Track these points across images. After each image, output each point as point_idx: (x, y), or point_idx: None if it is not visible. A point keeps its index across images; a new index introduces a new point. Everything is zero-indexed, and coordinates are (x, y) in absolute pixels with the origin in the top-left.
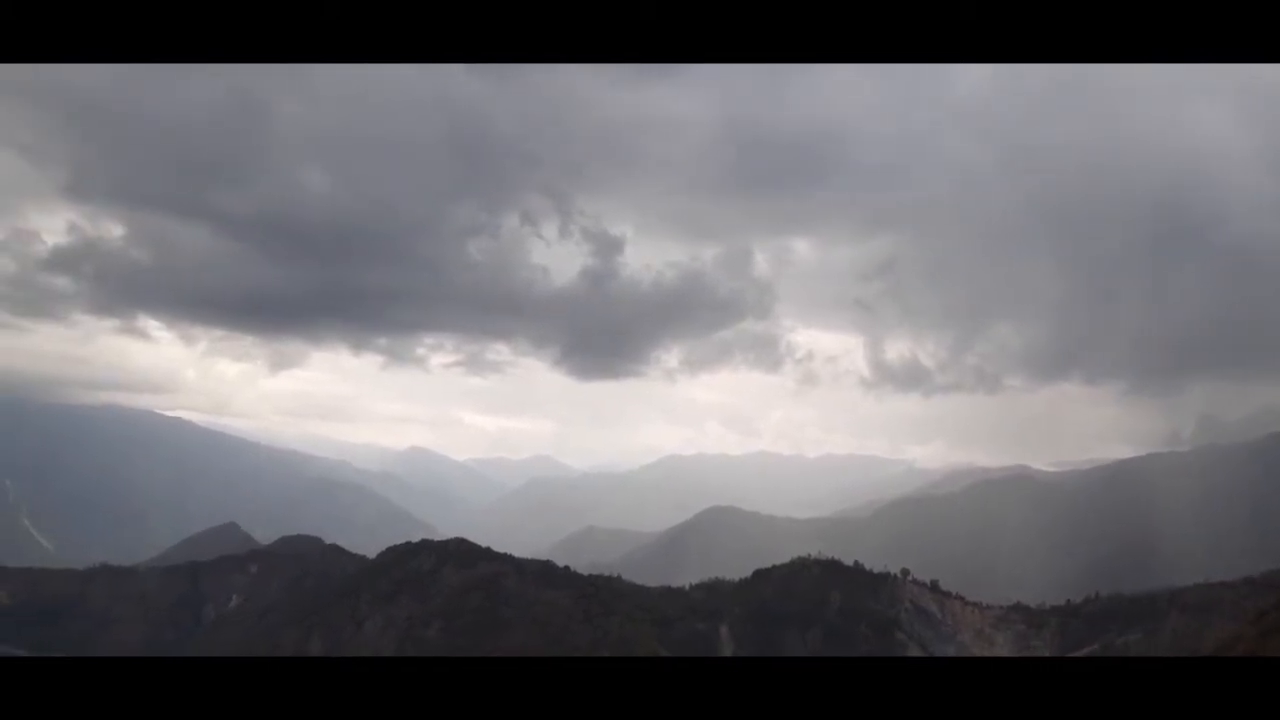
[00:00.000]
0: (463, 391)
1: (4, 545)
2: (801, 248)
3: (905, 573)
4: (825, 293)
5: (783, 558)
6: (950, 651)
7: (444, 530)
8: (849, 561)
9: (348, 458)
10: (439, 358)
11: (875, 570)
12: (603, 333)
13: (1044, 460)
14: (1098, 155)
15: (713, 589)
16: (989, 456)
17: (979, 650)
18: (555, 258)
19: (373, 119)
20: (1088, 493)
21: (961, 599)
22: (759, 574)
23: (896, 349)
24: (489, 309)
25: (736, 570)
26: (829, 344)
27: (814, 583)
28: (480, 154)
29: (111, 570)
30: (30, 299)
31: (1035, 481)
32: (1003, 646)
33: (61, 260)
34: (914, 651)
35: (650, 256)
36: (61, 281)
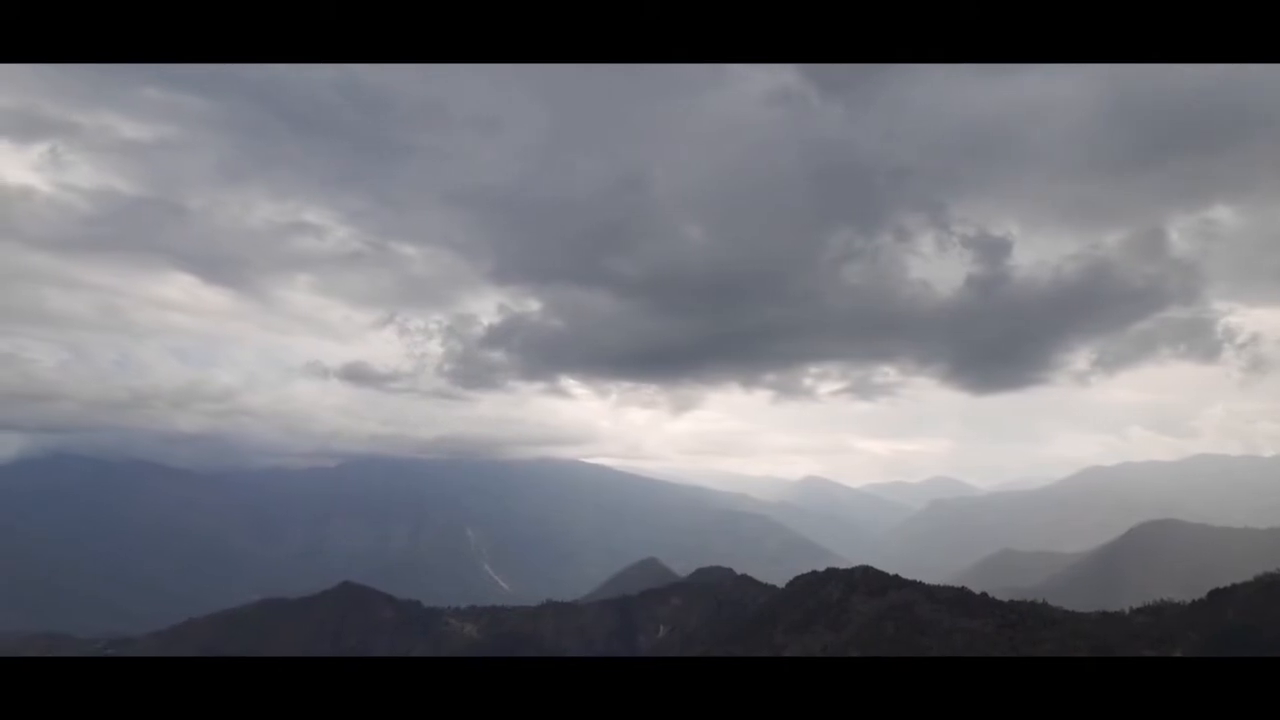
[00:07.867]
0: (851, 417)
1: (471, 586)
2: (1226, 216)
3: None
4: (1266, 263)
5: (1243, 575)
6: None
7: (846, 556)
8: None
9: (747, 490)
10: (825, 386)
11: None
12: (996, 341)
13: None
14: None
15: (1159, 613)
16: None
17: None
18: (935, 270)
19: (737, 166)
20: None
21: None
22: (1216, 594)
23: None
24: (871, 332)
25: (1186, 591)
26: (1278, 322)
27: None
28: (845, 179)
29: (557, 606)
30: (475, 373)
31: None
32: None
33: (495, 337)
34: None
35: (1043, 252)
36: (497, 354)
